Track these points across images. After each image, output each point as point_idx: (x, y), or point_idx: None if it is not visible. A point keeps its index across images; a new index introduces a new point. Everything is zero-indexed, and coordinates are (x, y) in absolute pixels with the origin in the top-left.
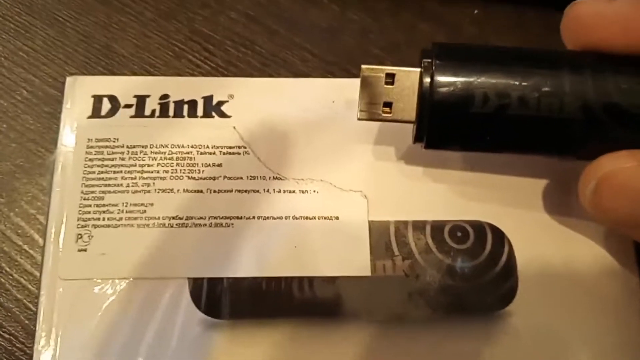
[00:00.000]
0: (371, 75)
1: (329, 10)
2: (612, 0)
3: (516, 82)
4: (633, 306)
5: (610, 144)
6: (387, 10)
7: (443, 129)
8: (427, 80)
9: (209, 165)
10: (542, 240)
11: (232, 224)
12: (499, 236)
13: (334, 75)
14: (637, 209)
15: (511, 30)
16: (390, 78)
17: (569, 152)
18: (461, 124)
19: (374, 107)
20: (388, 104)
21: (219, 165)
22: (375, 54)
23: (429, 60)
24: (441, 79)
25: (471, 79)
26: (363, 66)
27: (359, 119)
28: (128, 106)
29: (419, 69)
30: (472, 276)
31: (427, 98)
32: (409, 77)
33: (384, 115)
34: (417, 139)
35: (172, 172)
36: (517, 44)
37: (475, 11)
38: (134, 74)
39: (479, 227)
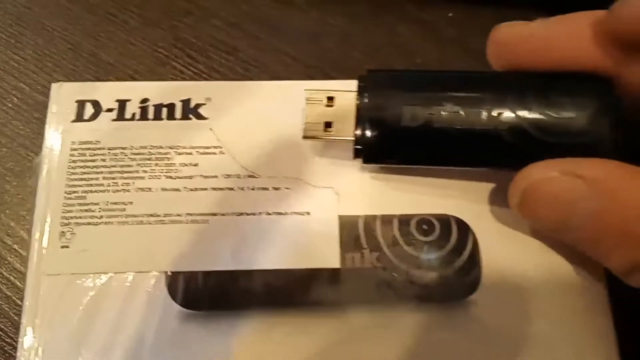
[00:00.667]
0: (313, 97)
1: (310, 16)
2: (529, 23)
3: (441, 99)
4: (595, 294)
5: (532, 155)
6: (367, 14)
7: (378, 144)
8: (363, 101)
9: (186, 164)
10: (505, 232)
11: (208, 220)
12: (464, 228)
13: (314, 78)
14: (562, 216)
15: (490, 31)
16: (331, 100)
17: (496, 164)
18: (394, 139)
19: (316, 127)
20: (329, 124)
21: (196, 164)
22: (356, 57)
23: (363, 84)
24: (373, 99)
25: (400, 98)
26: (305, 89)
27: (303, 137)
28: (110, 110)
29: (355, 92)
30: (437, 267)
31: (362, 117)
32: (347, 99)
33: (325, 133)
34: (357, 154)
35: (150, 172)
36: None
37: (450, 14)
38: (120, 80)
39: (445, 220)
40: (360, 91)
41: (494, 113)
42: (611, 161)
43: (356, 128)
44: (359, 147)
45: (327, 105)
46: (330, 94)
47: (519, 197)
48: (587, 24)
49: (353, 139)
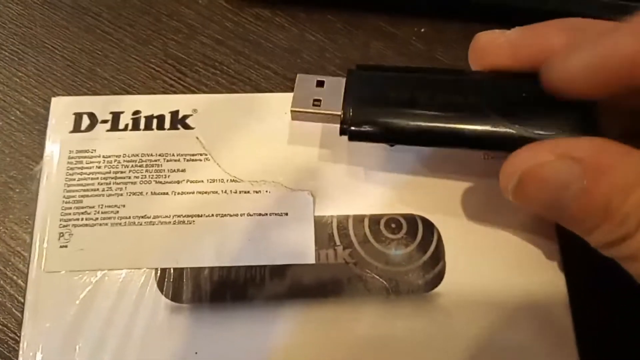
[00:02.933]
0: (304, 79)
1: (290, 32)
2: (505, 31)
3: (425, 84)
4: (555, 285)
5: (506, 140)
6: (342, 31)
7: (364, 120)
8: (351, 81)
9: (174, 170)
10: (468, 229)
11: (194, 221)
12: (429, 227)
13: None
14: (554, 198)
15: (458, 43)
16: (321, 84)
17: (481, 145)
18: (380, 115)
19: (305, 103)
20: (317, 100)
21: (183, 170)
22: (332, 70)
23: (352, 70)
24: (361, 80)
25: (387, 79)
26: (299, 74)
27: (292, 111)
28: (104, 121)
29: (344, 77)
30: (404, 262)
31: (349, 92)
32: (337, 83)
33: (313, 108)
34: (342, 131)
35: (141, 178)
36: (464, 57)
37: (422, 29)
38: (115, 93)
39: (411, 219)
40: (349, 74)
41: (470, 100)
42: (602, 139)
43: (343, 105)
44: (345, 125)
45: (317, 86)
46: (320, 78)
47: (515, 181)
48: (556, 31)
49: (340, 113)
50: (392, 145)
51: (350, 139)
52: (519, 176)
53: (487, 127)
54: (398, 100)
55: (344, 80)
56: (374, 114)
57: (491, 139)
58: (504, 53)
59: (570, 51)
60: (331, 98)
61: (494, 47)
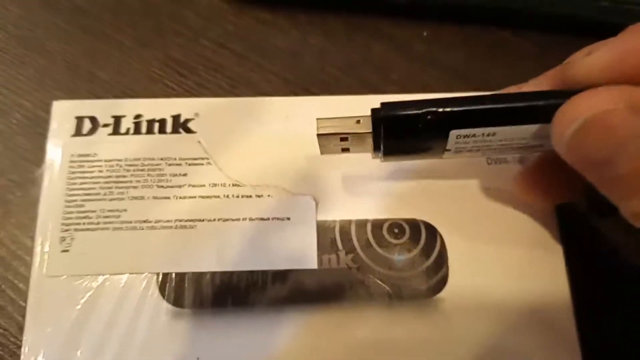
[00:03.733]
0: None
1: (291, 35)
2: (592, 53)
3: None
4: (558, 290)
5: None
6: (343, 33)
7: (396, 142)
8: (377, 111)
9: (176, 175)
10: (471, 235)
11: (195, 225)
12: (432, 232)
13: (295, 93)
14: (615, 152)
15: (457, 46)
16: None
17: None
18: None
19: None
20: (346, 149)
21: (185, 174)
22: (333, 73)
23: (377, 108)
24: (388, 110)
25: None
26: (318, 120)
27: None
28: (106, 125)
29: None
30: (407, 267)
31: (378, 119)
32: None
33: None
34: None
35: (143, 182)
36: (464, 59)
37: (425, 33)
38: (116, 97)
39: (414, 224)
40: (374, 112)
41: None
42: None
43: (374, 127)
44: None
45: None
46: (344, 135)
47: (576, 127)
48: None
49: (371, 132)
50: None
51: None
52: (584, 121)
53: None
54: (427, 119)
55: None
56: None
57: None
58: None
59: (592, 48)
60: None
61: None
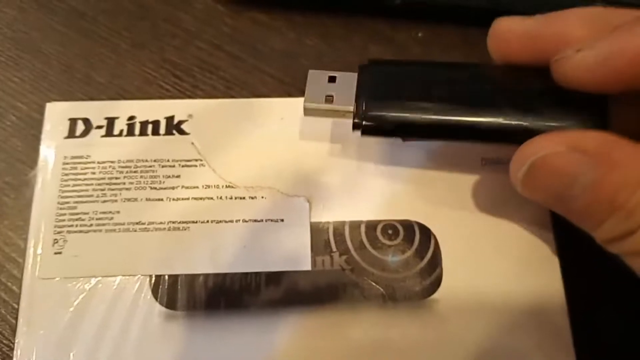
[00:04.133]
0: (315, 75)
1: (287, 36)
2: (526, 18)
3: (437, 78)
4: (552, 290)
5: (519, 132)
6: (340, 35)
7: (377, 114)
8: (363, 76)
9: (169, 176)
10: (465, 235)
11: (188, 227)
12: (426, 233)
13: (291, 95)
14: (563, 189)
15: (456, 47)
16: (332, 80)
17: (494, 139)
18: (393, 109)
19: (317, 99)
20: (330, 96)
21: (178, 176)
22: None
23: (364, 65)
24: (374, 75)
25: (400, 75)
26: (310, 70)
27: (305, 108)
28: (99, 127)
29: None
30: (401, 268)
31: (362, 87)
32: (349, 78)
33: (326, 105)
34: (355, 126)
35: (136, 184)
36: (463, 60)
37: (420, 34)
38: (111, 98)
39: (408, 225)
40: (361, 69)
41: (482, 94)
42: (612, 134)
43: (356, 100)
44: (357, 120)
45: (329, 81)
46: (332, 74)
47: (525, 170)
48: (576, 21)
49: (352, 109)
50: (404, 140)
51: (363, 133)
52: (530, 165)
53: (500, 120)
54: (410, 94)
55: (356, 75)
56: (387, 108)
57: (504, 132)
58: (522, 43)
59: (583, 45)
60: (344, 94)
61: (513, 37)
